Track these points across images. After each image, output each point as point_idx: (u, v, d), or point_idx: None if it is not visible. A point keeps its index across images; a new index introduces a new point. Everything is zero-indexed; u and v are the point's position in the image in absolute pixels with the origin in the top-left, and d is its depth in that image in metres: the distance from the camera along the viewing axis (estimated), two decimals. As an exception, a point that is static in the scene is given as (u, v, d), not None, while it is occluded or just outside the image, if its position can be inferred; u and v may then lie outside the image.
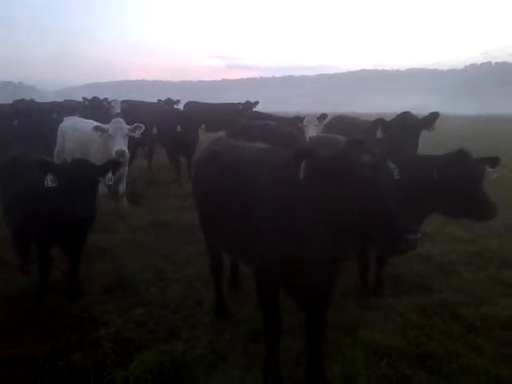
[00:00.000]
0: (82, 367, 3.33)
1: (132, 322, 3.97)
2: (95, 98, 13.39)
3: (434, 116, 5.64)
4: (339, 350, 3.55)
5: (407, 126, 5.42)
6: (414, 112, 5.94)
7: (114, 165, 4.43)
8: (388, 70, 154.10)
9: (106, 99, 13.42)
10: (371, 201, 2.44)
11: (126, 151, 7.09)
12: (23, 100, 15.42)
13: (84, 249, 4.61)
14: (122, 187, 7.72)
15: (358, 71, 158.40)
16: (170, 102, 15.05)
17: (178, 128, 9.47)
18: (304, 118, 8.91)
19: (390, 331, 3.82)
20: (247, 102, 14.10)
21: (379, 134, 5.48)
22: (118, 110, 12.48)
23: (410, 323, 3.99)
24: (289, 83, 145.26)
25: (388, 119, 5.80)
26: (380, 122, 5.55)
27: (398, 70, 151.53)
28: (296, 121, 9.04)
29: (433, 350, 3.57)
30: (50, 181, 3.95)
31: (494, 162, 4.03)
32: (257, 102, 14.12)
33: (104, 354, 3.49)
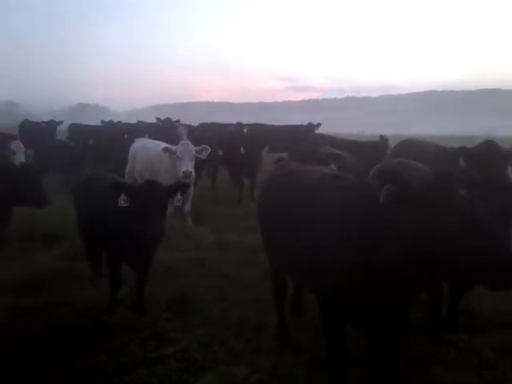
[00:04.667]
0: (147, 382, 3.41)
1: (195, 341, 3.99)
2: (167, 120, 13.96)
3: None
4: (409, 386, 3.36)
5: (495, 157, 5.09)
6: (484, 135, 5.66)
7: (182, 186, 4.57)
8: (457, 91, 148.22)
9: (178, 121, 13.95)
10: (476, 237, 2.32)
11: (193, 172, 7.32)
12: (110, 122, 16.57)
13: (151, 266, 4.76)
14: (187, 206, 7.94)
15: (424, 92, 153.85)
16: (239, 126, 15.29)
17: (242, 150, 9.65)
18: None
19: (465, 370, 3.57)
20: (309, 124, 14.11)
21: (462, 164, 5.20)
22: (185, 138, 12.94)
23: (486, 362, 3.70)
24: (351, 104, 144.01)
25: (458, 143, 5.56)
26: (463, 151, 5.28)
27: (467, 91, 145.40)
28: (381, 144, 8.72)
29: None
30: (122, 200, 4.14)
31: None
32: (319, 124, 14.10)
33: (169, 371, 3.54)
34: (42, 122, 16.23)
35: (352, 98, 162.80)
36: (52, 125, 15.62)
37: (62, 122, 16.13)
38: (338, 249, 2.89)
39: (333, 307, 3.10)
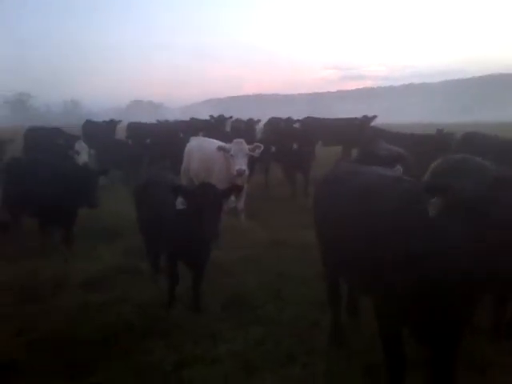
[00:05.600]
0: (204, 381, 3.52)
1: (250, 340, 4.06)
2: (221, 116, 14.18)
3: None
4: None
5: None
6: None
7: (236, 188, 4.64)
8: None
9: (231, 117, 14.14)
10: None
11: (246, 170, 7.39)
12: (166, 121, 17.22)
13: (206, 265, 4.88)
14: (241, 204, 8.02)
15: (487, 76, 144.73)
16: (290, 121, 15.24)
17: (294, 146, 9.61)
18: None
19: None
20: (364, 117, 13.79)
21: None
22: (228, 129, 13.16)
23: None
24: (408, 92, 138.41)
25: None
26: None
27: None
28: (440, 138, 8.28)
29: None
30: (180, 203, 4.27)
31: None
32: (374, 117, 13.74)
33: (225, 370, 3.63)
34: (103, 121, 17.09)
35: (409, 85, 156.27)
36: (112, 124, 16.40)
37: (120, 121, 16.89)
38: (395, 254, 2.82)
39: (390, 312, 3.04)
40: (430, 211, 2.47)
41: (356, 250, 3.27)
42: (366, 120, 13.58)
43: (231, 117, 14.39)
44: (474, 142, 6.70)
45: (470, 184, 2.52)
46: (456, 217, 2.43)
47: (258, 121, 15.63)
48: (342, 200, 3.56)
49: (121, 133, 16.66)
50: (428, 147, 7.92)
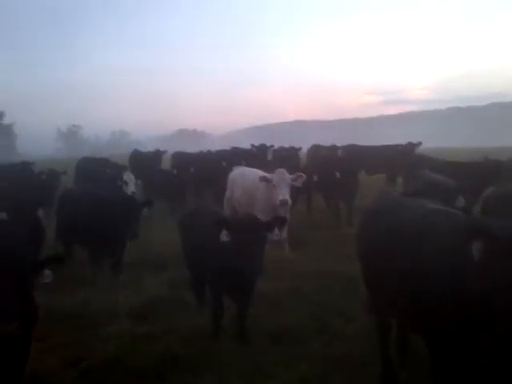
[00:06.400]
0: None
1: (296, 378, 3.99)
2: (262, 145, 14.36)
3: None
4: None
5: None
6: None
7: (279, 221, 4.63)
8: None
9: (272, 146, 14.31)
10: None
11: (289, 200, 7.39)
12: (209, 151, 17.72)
13: (251, 299, 4.86)
14: (284, 233, 7.97)
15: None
16: (334, 149, 15.22)
17: (337, 175, 9.54)
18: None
19: None
20: (408, 144, 13.55)
21: None
22: (270, 158, 13.29)
23: None
24: (454, 115, 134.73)
25: None
26: None
27: None
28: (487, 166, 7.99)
29: None
30: (224, 236, 4.31)
31: None
32: (420, 143, 13.49)
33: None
34: (149, 152, 17.70)
35: (455, 109, 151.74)
36: (157, 154, 16.93)
37: (166, 151, 17.43)
38: (440, 290, 2.72)
39: (444, 355, 2.90)
40: (475, 255, 2.38)
41: (404, 288, 3.17)
42: (411, 147, 13.34)
43: (272, 145, 14.54)
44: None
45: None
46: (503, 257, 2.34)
47: (299, 148, 15.70)
48: (389, 233, 3.47)
49: (166, 162, 17.17)
50: (476, 175, 7.66)
